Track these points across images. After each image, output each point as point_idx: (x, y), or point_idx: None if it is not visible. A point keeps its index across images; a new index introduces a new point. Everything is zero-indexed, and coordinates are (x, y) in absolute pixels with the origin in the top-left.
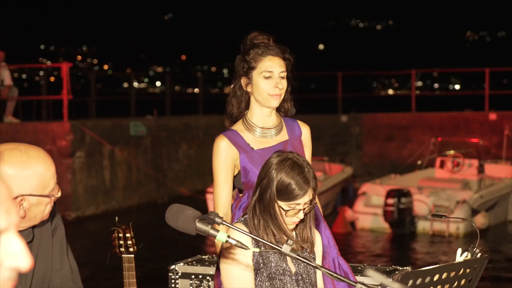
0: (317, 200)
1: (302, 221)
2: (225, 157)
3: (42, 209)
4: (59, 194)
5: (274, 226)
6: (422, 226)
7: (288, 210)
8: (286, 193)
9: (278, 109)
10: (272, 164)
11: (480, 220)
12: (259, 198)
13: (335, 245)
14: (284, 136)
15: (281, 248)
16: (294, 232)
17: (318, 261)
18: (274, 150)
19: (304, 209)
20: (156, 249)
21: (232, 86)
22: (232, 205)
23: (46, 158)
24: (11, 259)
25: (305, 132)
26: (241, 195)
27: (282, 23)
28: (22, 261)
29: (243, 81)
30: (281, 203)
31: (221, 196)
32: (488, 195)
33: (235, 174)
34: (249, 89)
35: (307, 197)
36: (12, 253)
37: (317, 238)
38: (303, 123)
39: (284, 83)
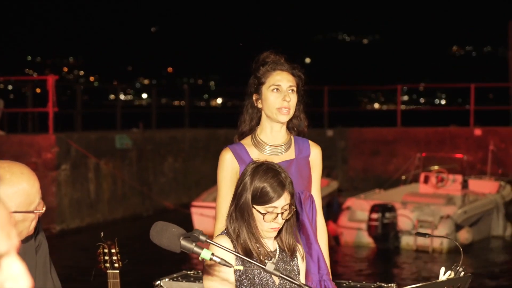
0: (321, 221)
1: (285, 229)
2: (228, 169)
3: (27, 225)
4: (44, 209)
5: (247, 231)
6: (406, 241)
7: (265, 214)
8: (261, 196)
9: (289, 128)
10: (247, 171)
11: (464, 236)
12: (235, 204)
13: (326, 267)
14: (290, 154)
15: (265, 266)
16: (276, 244)
17: (302, 275)
18: None
19: (282, 213)
20: (142, 264)
21: (245, 106)
22: None
23: (30, 175)
24: (12, 281)
25: (315, 153)
26: None
27: (269, 36)
28: (22, 283)
29: (254, 97)
30: (257, 207)
31: (223, 208)
32: (472, 211)
33: None
34: (259, 105)
35: (283, 200)
36: (12, 276)
37: (302, 252)
38: (314, 144)
39: (292, 97)
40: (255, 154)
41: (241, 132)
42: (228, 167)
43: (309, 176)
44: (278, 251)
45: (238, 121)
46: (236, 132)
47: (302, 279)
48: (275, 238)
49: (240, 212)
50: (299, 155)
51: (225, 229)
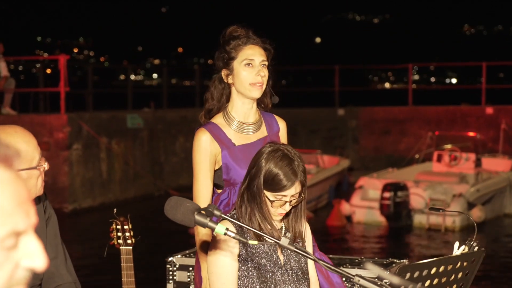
0: None
1: (293, 213)
2: (207, 152)
3: (34, 183)
4: (47, 165)
5: (260, 216)
6: (419, 219)
7: (274, 201)
8: (273, 184)
9: (257, 104)
10: (263, 154)
11: (476, 214)
12: (247, 186)
13: (314, 242)
14: (263, 132)
15: (279, 241)
16: (282, 224)
17: (309, 250)
18: (255, 146)
19: (291, 201)
20: (154, 241)
21: (211, 81)
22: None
23: (25, 132)
24: (28, 259)
25: (282, 127)
26: (219, 191)
27: (279, 16)
28: (38, 262)
29: (224, 72)
30: (267, 193)
31: (202, 192)
32: (484, 189)
33: (215, 169)
34: (230, 81)
35: (293, 190)
36: (29, 253)
37: (307, 230)
38: (280, 118)
39: (265, 72)
40: (231, 133)
41: (208, 110)
42: (207, 149)
43: None
44: (284, 229)
45: (204, 96)
46: (203, 112)
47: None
48: (282, 219)
49: (252, 195)
50: (270, 131)
51: (233, 213)
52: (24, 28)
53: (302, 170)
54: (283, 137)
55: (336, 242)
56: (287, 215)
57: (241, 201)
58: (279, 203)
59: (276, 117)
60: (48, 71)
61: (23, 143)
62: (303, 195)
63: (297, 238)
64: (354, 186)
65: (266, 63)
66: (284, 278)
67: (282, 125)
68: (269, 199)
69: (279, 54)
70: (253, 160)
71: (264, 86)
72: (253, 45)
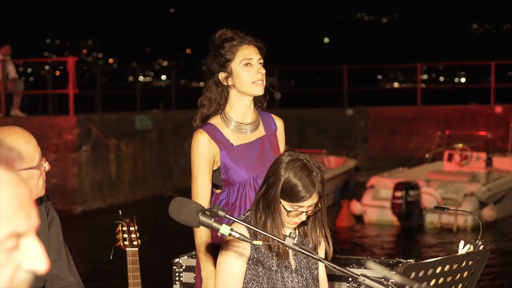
0: None
1: (312, 223)
2: (205, 152)
3: (35, 183)
4: (47, 165)
5: (271, 224)
6: (430, 219)
7: (290, 211)
8: (291, 194)
9: (254, 104)
10: (282, 163)
11: (488, 213)
12: (264, 194)
13: None
14: (261, 132)
15: (283, 241)
16: (297, 231)
17: (322, 268)
18: (253, 146)
19: (307, 212)
20: (161, 242)
21: (206, 86)
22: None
23: (24, 132)
24: (29, 261)
25: (280, 126)
26: (218, 191)
27: (287, 16)
28: (39, 264)
29: (222, 75)
30: (284, 202)
31: (201, 193)
32: (496, 188)
33: (214, 170)
34: (229, 83)
35: (310, 201)
36: (30, 255)
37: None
38: (277, 117)
39: (263, 69)
40: (229, 134)
41: (205, 116)
42: (206, 150)
43: (279, 151)
44: (297, 235)
45: (200, 102)
46: (198, 117)
47: (322, 273)
48: (297, 228)
49: (267, 203)
50: (268, 131)
51: (246, 215)
52: (33, 30)
53: (320, 181)
54: (280, 136)
55: (346, 242)
56: (304, 223)
57: (256, 208)
58: (295, 213)
59: (274, 116)
60: (57, 73)
61: (23, 143)
62: (319, 205)
63: (317, 247)
64: (360, 186)
65: (262, 61)
66: (294, 283)
67: (279, 124)
68: (285, 208)
69: (288, 54)
70: (271, 167)
71: (264, 83)
72: (248, 45)
